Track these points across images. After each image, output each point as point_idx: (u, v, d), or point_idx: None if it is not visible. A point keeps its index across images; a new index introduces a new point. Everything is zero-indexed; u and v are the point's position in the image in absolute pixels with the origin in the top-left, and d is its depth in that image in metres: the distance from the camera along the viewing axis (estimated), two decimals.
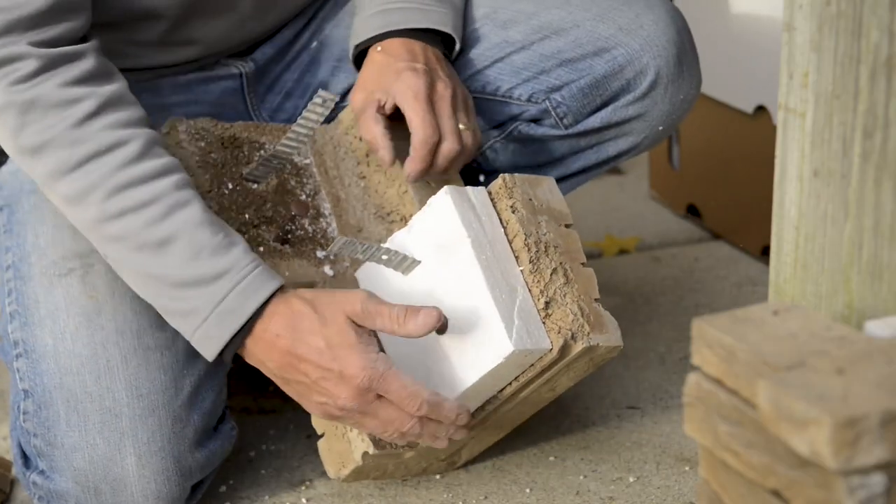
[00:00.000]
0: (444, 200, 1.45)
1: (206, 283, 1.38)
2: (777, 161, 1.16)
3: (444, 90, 1.51)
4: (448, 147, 1.51)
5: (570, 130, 1.65)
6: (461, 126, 1.52)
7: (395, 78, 1.51)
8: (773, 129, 1.89)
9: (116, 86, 1.42)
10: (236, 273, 1.38)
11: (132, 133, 1.40)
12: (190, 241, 1.38)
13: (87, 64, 1.41)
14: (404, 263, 1.44)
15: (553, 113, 1.64)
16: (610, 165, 1.72)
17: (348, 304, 1.37)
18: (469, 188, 1.49)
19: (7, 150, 1.43)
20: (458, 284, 1.42)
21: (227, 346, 1.40)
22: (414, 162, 1.50)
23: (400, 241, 1.47)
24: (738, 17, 2.19)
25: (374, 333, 1.39)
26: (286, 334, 1.38)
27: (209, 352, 1.41)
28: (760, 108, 2.15)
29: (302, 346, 1.37)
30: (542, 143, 1.67)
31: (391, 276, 1.46)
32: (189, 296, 1.39)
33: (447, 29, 1.58)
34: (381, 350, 1.40)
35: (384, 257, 1.44)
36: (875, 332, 1.07)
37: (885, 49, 1.08)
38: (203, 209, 1.40)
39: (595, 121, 1.64)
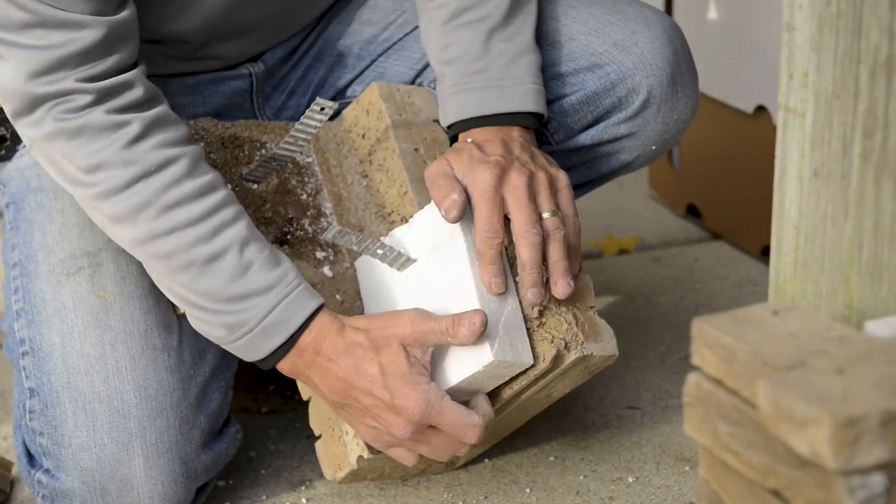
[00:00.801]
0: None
1: (254, 296, 1.39)
2: (777, 161, 1.16)
3: (517, 179, 1.42)
4: (525, 240, 1.42)
5: (561, 146, 1.62)
6: (544, 214, 1.44)
7: (468, 172, 1.44)
8: (773, 129, 1.89)
9: (161, 108, 1.43)
10: (284, 286, 1.39)
11: (179, 151, 1.41)
12: (239, 257, 1.39)
13: (136, 93, 1.41)
14: (399, 260, 1.44)
15: (544, 128, 1.61)
16: (602, 183, 1.70)
17: (399, 327, 1.38)
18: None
19: (52, 174, 1.44)
20: (448, 287, 1.42)
21: (268, 357, 1.41)
22: (483, 273, 1.42)
23: (399, 237, 1.47)
24: (738, 17, 2.19)
25: (427, 356, 1.39)
26: (341, 361, 1.39)
27: (249, 358, 1.43)
28: (760, 108, 2.15)
29: (355, 375, 1.38)
30: None
31: (385, 271, 1.47)
32: (235, 309, 1.40)
33: (528, 108, 1.51)
34: (431, 376, 1.40)
35: (379, 251, 1.43)
36: (875, 332, 1.08)
37: (885, 49, 1.08)
38: (249, 225, 1.41)
39: (586, 138, 1.62)
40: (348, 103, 1.65)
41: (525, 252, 1.41)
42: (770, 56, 2.03)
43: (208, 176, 1.41)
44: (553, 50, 1.59)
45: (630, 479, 1.58)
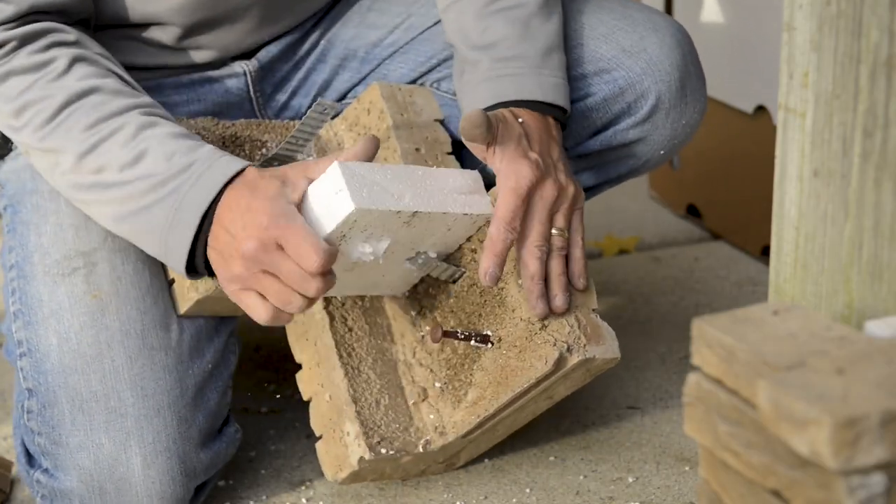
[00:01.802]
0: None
1: (175, 176, 1.38)
2: (777, 161, 1.16)
3: (549, 191, 1.45)
4: (533, 255, 1.44)
5: (571, 152, 1.62)
6: (554, 230, 1.46)
7: (512, 159, 1.45)
8: (773, 129, 1.89)
9: (89, 50, 1.45)
10: (204, 161, 1.38)
11: (102, 82, 1.43)
12: (161, 149, 1.39)
13: (60, 35, 1.44)
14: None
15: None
16: (610, 187, 1.70)
17: (285, 168, 1.38)
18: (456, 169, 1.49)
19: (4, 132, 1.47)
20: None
21: (200, 230, 1.38)
22: (485, 259, 1.43)
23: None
24: (738, 17, 2.19)
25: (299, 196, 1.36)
26: (231, 202, 1.37)
27: (181, 249, 1.39)
28: (760, 108, 2.15)
29: (234, 204, 1.36)
30: None
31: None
32: (161, 194, 1.38)
33: (560, 102, 1.51)
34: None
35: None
36: (875, 332, 1.08)
37: (885, 49, 1.08)
38: (173, 125, 1.42)
39: (595, 143, 1.62)
40: (350, 104, 1.64)
41: (532, 264, 1.45)
42: (770, 56, 2.03)
43: (131, 100, 1.43)
44: None
45: (630, 479, 1.58)
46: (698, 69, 1.62)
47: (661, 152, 1.63)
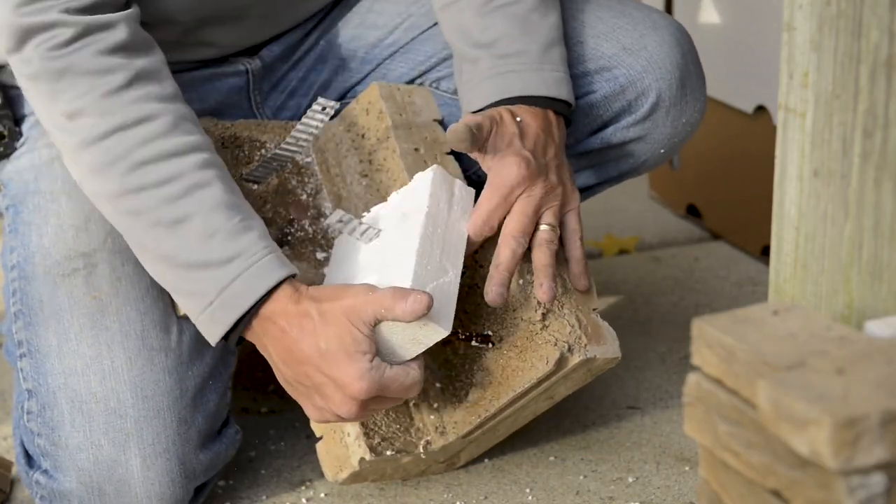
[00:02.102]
0: (426, 176, 1.46)
1: (216, 267, 1.38)
2: (777, 161, 1.16)
3: (536, 189, 1.46)
4: (508, 245, 1.45)
5: (571, 150, 1.61)
6: (542, 225, 1.47)
7: (501, 157, 1.46)
8: (773, 129, 1.89)
9: (151, 59, 1.43)
10: (247, 258, 1.38)
11: (162, 108, 1.40)
12: (204, 222, 1.37)
13: (122, 33, 1.41)
14: (364, 232, 1.45)
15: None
16: (610, 185, 1.70)
17: (345, 300, 1.37)
18: (458, 181, 1.49)
19: (40, 118, 1.44)
20: (396, 244, 1.42)
21: (232, 331, 1.40)
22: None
23: (375, 211, 1.48)
24: (737, 17, 2.19)
25: (371, 334, 1.37)
26: (292, 332, 1.38)
27: (213, 335, 1.41)
28: (760, 108, 2.15)
29: (304, 347, 1.37)
30: None
31: (351, 240, 1.48)
32: (198, 278, 1.38)
33: (563, 96, 1.52)
34: (375, 347, 1.38)
35: (357, 229, 1.45)
36: (875, 332, 1.07)
37: (885, 49, 1.08)
38: (225, 191, 1.39)
39: (595, 141, 1.62)
40: (349, 103, 1.64)
41: (501, 253, 1.45)
42: (770, 56, 2.03)
43: (189, 137, 1.40)
44: None
45: (630, 479, 1.58)
46: (698, 68, 1.62)
47: (661, 151, 1.63)
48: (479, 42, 1.54)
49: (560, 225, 1.49)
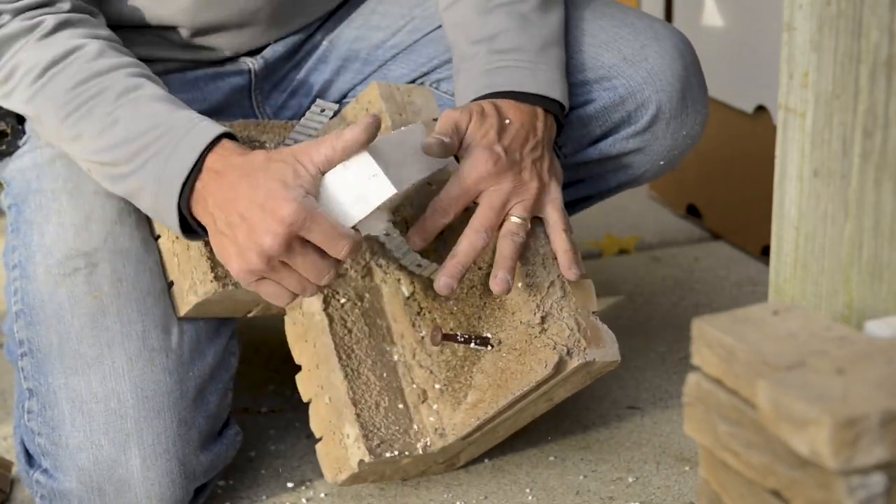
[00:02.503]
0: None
1: (158, 138, 1.39)
2: (777, 161, 1.16)
3: (504, 184, 1.45)
4: (468, 238, 1.45)
5: (570, 160, 1.62)
6: (512, 217, 1.46)
7: (472, 150, 1.45)
8: (773, 129, 1.89)
9: (77, 14, 1.47)
10: (186, 123, 1.39)
11: (90, 39, 1.45)
12: (143, 110, 1.40)
13: (54, 7, 1.46)
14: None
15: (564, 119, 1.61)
16: (609, 196, 1.70)
17: (296, 147, 1.36)
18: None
19: None
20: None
21: (182, 199, 1.38)
22: (412, 234, 1.48)
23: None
24: (738, 17, 2.19)
25: (316, 176, 1.34)
26: (232, 173, 1.36)
27: (170, 210, 1.39)
28: (760, 108, 2.15)
29: (242, 183, 1.35)
30: None
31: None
32: (143, 160, 1.39)
33: (555, 95, 1.51)
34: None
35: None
36: (875, 332, 1.07)
37: (885, 49, 1.08)
38: (157, 90, 1.42)
39: (594, 152, 1.61)
40: (348, 102, 1.64)
41: (462, 245, 1.45)
42: (770, 56, 2.03)
43: (118, 58, 1.44)
44: None
45: (630, 479, 1.58)
46: (700, 79, 1.61)
47: (661, 163, 1.62)
48: (477, 38, 1.54)
49: (543, 221, 1.49)
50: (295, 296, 1.38)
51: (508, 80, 1.50)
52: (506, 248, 1.45)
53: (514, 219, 1.46)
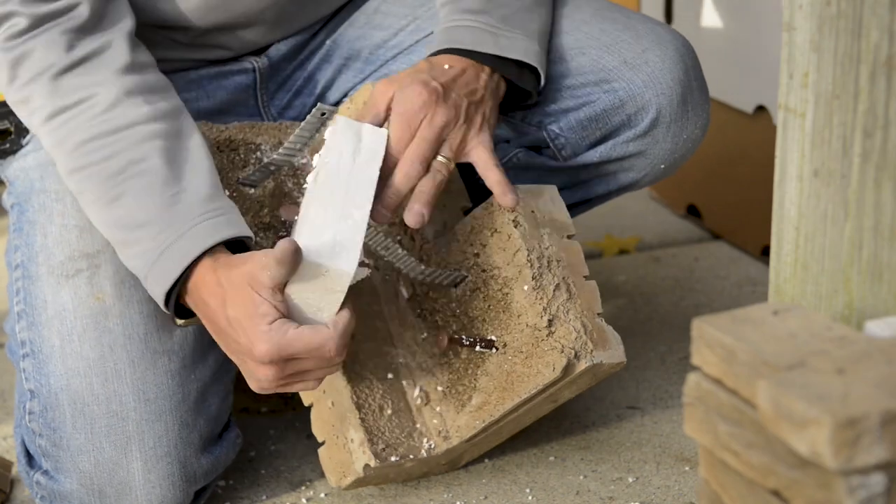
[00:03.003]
0: (329, 129, 1.43)
1: (146, 241, 1.39)
2: (777, 161, 1.16)
3: (439, 117, 1.44)
4: (402, 168, 1.44)
5: (569, 163, 1.62)
6: (440, 157, 1.45)
7: (406, 86, 1.45)
8: (773, 129, 1.89)
9: (109, 35, 1.46)
10: (171, 234, 1.38)
11: (105, 85, 1.43)
12: (136, 199, 1.40)
13: (76, 20, 1.44)
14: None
15: (552, 144, 1.61)
16: (609, 199, 1.70)
17: (245, 266, 1.35)
18: (366, 126, 1.44)
19: (12, 107, 1.48)
20: (304, 201, 1.40)
21: (170, 301, 1.40)
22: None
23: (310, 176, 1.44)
24: (738, 18, 2.19)
25: (273, 297, 1.35)
26: (211, 302, 1.37)
27: (161, 303, 1.40)
28: (760, 108, 2.15)
29: (219, 315, 1.37)
30: (540, 171, 1.64)
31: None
32: (132, 254, 1.41)
33: (516, 55, 1.50)
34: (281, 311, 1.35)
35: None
36: (875, 332, 1.07)
37: (885, 49, 1.08)
38: (161, 163, 1.40)
39: (594, 155, 1.61)
40: (343, 104, 1.64)
41: (397, 175, 1.44)
42: (770, 56, 2.03)
43: (132, 112, 1.42)
44: (562, 63, 1.58)
45: (630, 479, 1.58)
46: (701, 84, 1.61)
47: (662, 167, 1.62)
48: (456, 7, 1.54)
49: (473, 163, 1.48)
50: (318, 383, 1.41)
51: (466, 38, 1.50)
52: (424, 183, 1.44)
53: (439, 158, 1.45)
